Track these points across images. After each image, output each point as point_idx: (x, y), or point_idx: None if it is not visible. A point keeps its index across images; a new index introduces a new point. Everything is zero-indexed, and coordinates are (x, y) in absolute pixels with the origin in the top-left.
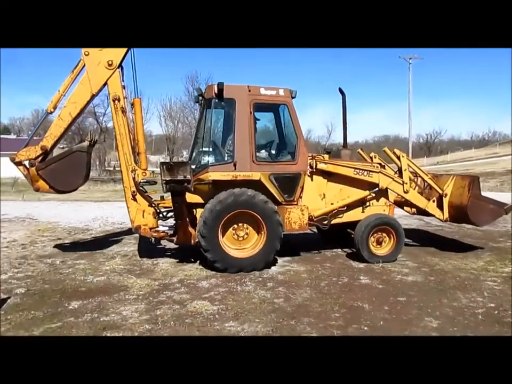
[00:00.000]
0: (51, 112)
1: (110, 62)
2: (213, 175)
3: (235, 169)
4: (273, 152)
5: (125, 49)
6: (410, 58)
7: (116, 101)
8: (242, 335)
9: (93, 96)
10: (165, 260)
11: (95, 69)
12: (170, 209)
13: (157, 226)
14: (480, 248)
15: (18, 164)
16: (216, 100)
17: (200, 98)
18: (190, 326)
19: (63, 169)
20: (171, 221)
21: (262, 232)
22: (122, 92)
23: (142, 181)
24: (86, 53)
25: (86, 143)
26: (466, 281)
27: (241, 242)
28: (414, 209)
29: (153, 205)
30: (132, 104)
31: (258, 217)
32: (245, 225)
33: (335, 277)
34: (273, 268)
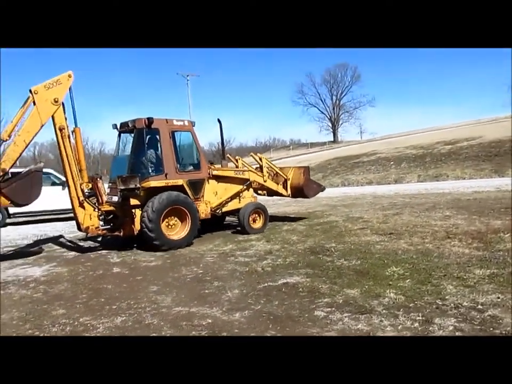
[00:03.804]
0: (6, 140)
1: (56, 99)
2: (153, 183)
3: (166, 178)
4: (186, 164)
5: (67, 88)
6: (187, 76)
7: (62, 130)
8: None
9: (42, 126)
10: None
11: (43, 104)
12: (109, 211)
13: (99, 226)
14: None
15: None
16: (146, 129)
17: (131, 127)
18: None
19: (24, 186)
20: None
21: (187, 220)
22: (66, 122)
23: (86, 191)
24: (35, 92)
25: (42, 164)
26: (192, 259)
27: (172, 229)
28: (264, 191)
29: (97, 210)
30: (73, 132)
31: (184, 209)
32: (174, 217)
33: (92, 271)
34: (37, 272)
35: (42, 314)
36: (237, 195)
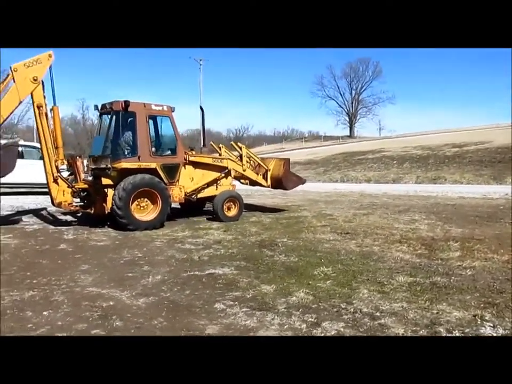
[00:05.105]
0: None
1: (35, 78)
2: (124, 164)
3: (139, 160)
4: (162, 149)
5: (47, 67)
6: (200, 60)
7: (40, 108)
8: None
9: (20, 102)
10: None
11: (22, 82)
12: (82, 189)
13: (72, 202)
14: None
15: None
16: (122, 112)
17: (109, 109)
18: None
19: (0, 159)
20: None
21: (158, 203)
22: (44, 101)
23: (61, 168)
24: (15, 69)
25: (18, 139)
26: (141, 243)
27: (143, 211)
28: (247, 181)
29: (70, 186)
30: (51, 110)
31: (155, 192)
32: (145, 199)
33: (38, 246)
34: None
35: None
36: (214, 182)
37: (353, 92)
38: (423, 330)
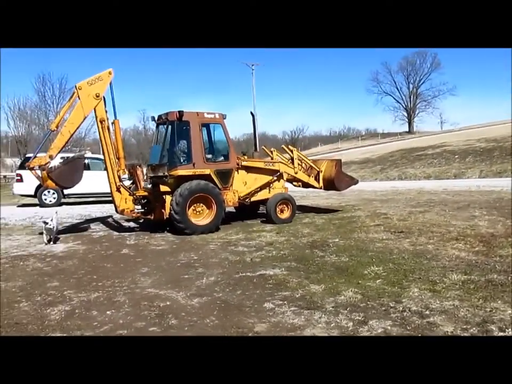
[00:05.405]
0: (54, 130)
1: (97, 94)
2: (180, 171)
3: (194, 167)
4: (215, 155)
5: (108, 84)
6: (252, 65)
7: (103, 122)
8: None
9: (85, 118)
10: None
11: (86, 99)
12: (143, 196)
13: (134, 209)
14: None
15: (31, 169)
16: (177, 122)
17: (164, 119)
18: None
19: (68, 171)
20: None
21: (213, 208)
22: (106, 115)
23: (123, 177)
24: (80, 88)
25: (83, 153)
26: (196, 246)
27: (199, 215)
28: (299, 183)
29: (132, 194)
30: (113, 123)
31: (210, 197)
32: (200, 204)
33: (104, 251)
34: (60, 248)
35: (39, 285)
36: (267, 185)
37: (411, 85)
38: (474, 329)
